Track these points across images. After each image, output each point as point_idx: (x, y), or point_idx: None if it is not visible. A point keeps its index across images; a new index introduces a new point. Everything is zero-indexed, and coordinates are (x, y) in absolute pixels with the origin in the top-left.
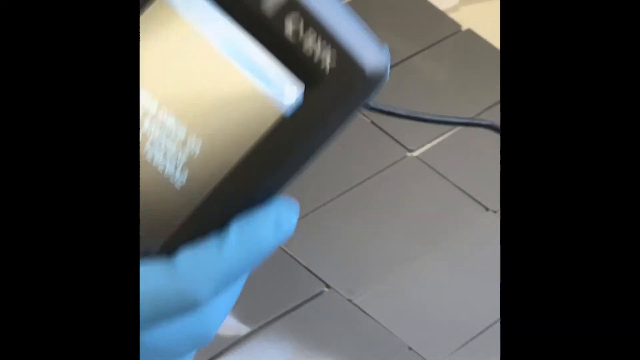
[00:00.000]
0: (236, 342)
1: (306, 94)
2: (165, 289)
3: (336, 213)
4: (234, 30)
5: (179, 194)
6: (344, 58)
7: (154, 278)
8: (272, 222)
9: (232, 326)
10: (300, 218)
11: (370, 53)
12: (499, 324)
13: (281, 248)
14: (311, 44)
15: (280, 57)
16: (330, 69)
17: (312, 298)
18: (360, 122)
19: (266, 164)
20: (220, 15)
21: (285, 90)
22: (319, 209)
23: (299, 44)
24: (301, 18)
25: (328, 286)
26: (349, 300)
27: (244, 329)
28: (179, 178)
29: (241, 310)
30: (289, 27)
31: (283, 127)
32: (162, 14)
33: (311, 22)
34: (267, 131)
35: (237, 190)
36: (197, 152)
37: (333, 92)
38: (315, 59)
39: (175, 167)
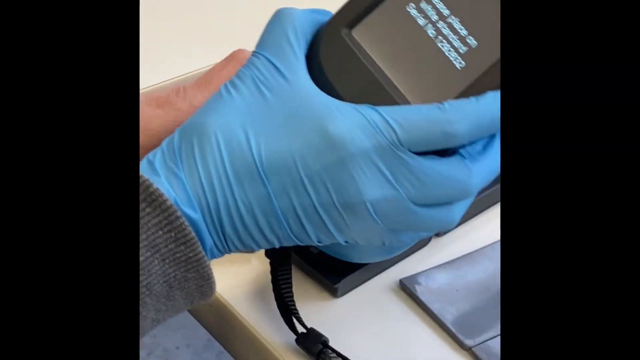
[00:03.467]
0: None
1: None
2: (432, 117)
3: None
4: None
5: (457, 73)
6: None
7: (427, 110)
8: None
9: None
10: None
11: None
12: None
13: None
14: None
15: None
16: None
17: None
18: None
19: None
20: None
21: None
22: None
23: None
24: None
25: None
26: None
27: None
28: (459, 62)
29: None
30: None
31: None
32: None
33: None
34: None
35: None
36: (474, 47)
37: None
38: None
39: (457, 54)
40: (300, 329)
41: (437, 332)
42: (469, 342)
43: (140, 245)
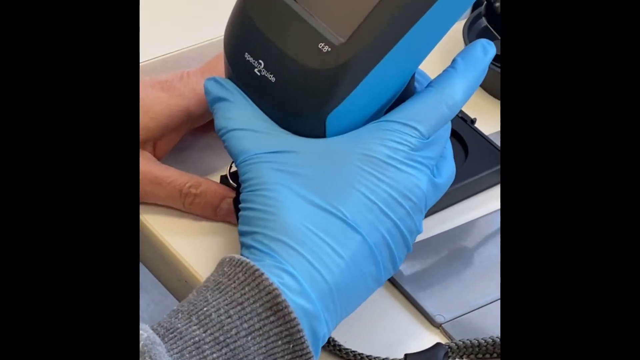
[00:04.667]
0: None
1: None
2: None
3: None
4: None
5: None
6: None
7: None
8: None
9: None
10: None
11: None
12: None
13: None
14: None
15: None
16: None
17: None
18: None
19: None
20: None
21: None
22: None
23: None
24: None
25: None
26: None
27: None
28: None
29: None
30: None
31: None
32: None
33: None
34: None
35: None
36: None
37: None
38: None
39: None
40: None
41: (409, 309)
42: (439, 319)
43: (258, 352)
